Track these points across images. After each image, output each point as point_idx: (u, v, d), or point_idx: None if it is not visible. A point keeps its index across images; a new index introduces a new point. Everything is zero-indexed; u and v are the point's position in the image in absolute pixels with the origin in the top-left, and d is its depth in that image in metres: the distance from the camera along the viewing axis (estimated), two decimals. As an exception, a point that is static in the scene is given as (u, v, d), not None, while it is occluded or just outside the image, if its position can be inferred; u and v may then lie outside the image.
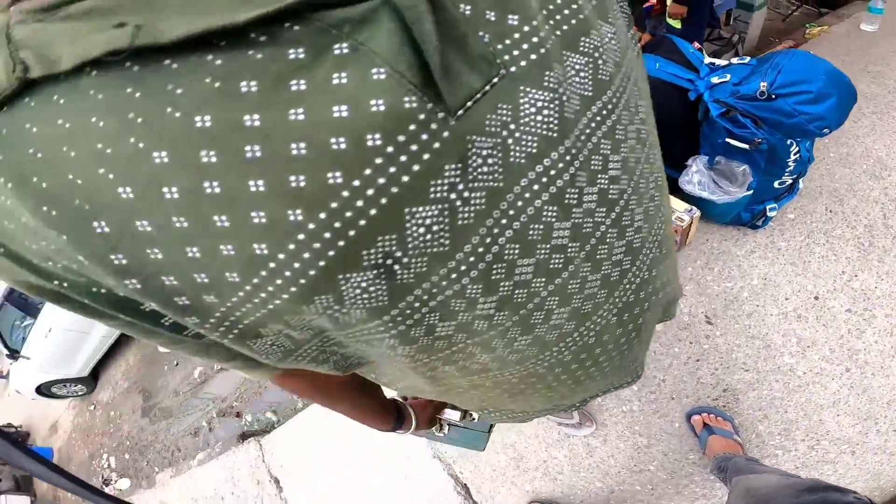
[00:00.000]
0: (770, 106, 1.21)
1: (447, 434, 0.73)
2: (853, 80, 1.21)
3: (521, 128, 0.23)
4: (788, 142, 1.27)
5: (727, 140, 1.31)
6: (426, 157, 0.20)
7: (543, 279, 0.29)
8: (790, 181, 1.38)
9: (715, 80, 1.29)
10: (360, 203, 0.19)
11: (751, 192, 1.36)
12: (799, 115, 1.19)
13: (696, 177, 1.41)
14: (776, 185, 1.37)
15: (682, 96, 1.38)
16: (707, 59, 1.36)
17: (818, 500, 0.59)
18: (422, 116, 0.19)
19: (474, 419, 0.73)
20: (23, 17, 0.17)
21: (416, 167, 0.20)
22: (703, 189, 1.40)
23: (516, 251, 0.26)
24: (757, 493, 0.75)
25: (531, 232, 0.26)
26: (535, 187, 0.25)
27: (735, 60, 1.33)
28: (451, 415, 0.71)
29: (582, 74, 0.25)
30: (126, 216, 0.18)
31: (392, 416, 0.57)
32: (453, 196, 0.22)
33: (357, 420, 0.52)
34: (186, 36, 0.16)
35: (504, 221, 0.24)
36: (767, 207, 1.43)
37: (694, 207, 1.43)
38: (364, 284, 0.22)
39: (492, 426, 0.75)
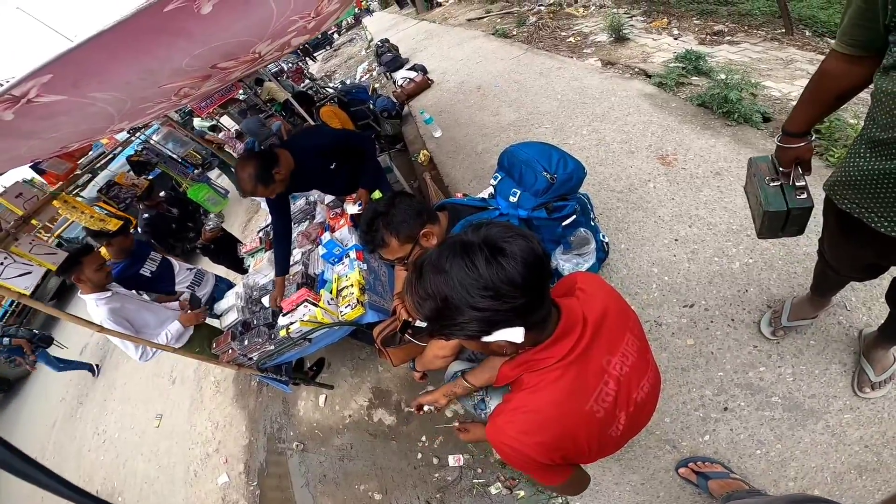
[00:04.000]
0: (558, 185, 1.32)
1: None
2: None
3: None
4: (579, 194, 1.43)
5: (562, 225, 1.35)
6: None
7: None
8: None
9: (512, 199, 1.31)
10: None
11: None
12: (572, 176, 1.36)
13: (566, 266, 1.40)
14: (592, 223, 1.54)
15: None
16: (480, 195, 1.38)
17: None
18: None
19: None
20: None
21: None
22: (578, 266, 1.40)
23: None
24: None
25: None
26: None
27: (492, 183, 1.41)
28: None
29: None
30: None
31: None
32: None
33: None
34: None
35: None
36: (603, 240, 1.58)
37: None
38: None
39: None
